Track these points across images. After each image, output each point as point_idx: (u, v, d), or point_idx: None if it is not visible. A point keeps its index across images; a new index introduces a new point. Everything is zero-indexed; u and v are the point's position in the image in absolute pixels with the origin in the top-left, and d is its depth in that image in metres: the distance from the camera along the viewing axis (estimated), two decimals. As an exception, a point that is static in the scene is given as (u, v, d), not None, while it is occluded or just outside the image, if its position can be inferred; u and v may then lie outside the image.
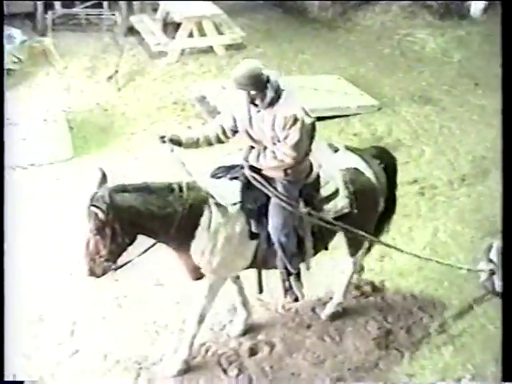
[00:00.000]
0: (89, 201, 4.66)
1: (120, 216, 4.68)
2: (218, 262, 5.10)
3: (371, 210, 5.71)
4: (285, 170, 5.03)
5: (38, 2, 12.35)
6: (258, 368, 5.61)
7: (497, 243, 6.18)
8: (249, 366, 5.64)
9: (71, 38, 12.25)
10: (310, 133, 5.01)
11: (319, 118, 9.47)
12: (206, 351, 5.76)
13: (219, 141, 5.29)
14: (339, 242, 5.79)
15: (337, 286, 6.18)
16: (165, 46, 11.89)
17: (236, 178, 5.22)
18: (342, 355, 5.81)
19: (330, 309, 6.14)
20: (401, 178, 8.23)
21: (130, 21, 12.77)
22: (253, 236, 5.18)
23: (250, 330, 5.95)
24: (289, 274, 5.40)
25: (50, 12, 12.22)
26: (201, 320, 5.37)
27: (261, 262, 5.33)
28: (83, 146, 8.89)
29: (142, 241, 4.97)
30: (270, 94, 4.84)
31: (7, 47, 10.70)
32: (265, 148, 5.02)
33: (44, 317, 6.11)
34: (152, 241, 4.97)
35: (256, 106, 4.92)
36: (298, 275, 5.45)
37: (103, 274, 4.90)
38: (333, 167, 5.46)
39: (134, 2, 13.17)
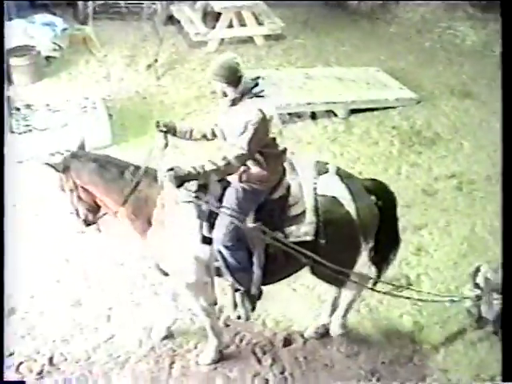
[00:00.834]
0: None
1: (71, 177, 5.08)
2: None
3: (346, 245, 5.19)
4: (240, 176, 4.85)
5: (80, -9, 12.44)
6: (291, 358, 5.63)
7: (484, 267, 5.96)
8: (282, 356, 5.66)
9: (111, 26, 12.31)
10: (265, 134, 4.75)
11: (358, 110, 9.65)
12: (241, 340, 5.80)
13: (214, 135, 5.13)
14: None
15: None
16: (204, 35, 11.90)
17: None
18: (375, 348, 5.81)
19: (335, 326, 5.89)
20: (439, 172, 8.35)
21: (169, 10, 12.80)
22: (205, 240, 4.98)
23: (284, 320, 5.98)
24: (236, 289, 5.19)
25: (90, 1, 12.30)
26: (207, 313, 5.36)
27: (214, 269, 5.15)
28: (122, 134, 8.95)
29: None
30: (240, 89, 4.77)
31: (49, 35, 10.82)
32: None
33: (82, 302, 6.21)
34: None
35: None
36: (248, 294, 5.18)
37: (88, 225, 5.32)
38: (309, 189, 5.10)
39: (175, -9, 13.21)
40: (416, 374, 5.58)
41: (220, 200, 4.93)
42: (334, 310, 5.87)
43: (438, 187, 8.06)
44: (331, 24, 13.06)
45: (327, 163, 5.38)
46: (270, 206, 4.99)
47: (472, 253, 6.94)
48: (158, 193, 5.01)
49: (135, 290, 6.31)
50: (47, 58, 10.77)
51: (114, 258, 6.66)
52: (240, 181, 4.86)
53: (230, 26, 12.23)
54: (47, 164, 5.09)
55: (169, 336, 5.80)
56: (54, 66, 10.74)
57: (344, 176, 5.29)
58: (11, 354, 5.57)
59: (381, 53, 12.01)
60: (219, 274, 5.14)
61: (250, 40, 12.23)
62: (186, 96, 10.14)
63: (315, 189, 5.11)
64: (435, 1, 13.56)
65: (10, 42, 10.15)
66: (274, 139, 4.85)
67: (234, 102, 4.80)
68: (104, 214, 5.29)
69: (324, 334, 5.90)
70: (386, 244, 5.51)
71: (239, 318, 5.27)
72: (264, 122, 4.69)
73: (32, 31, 10.74)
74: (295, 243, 4.97)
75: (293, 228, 5.03)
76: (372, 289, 5.59)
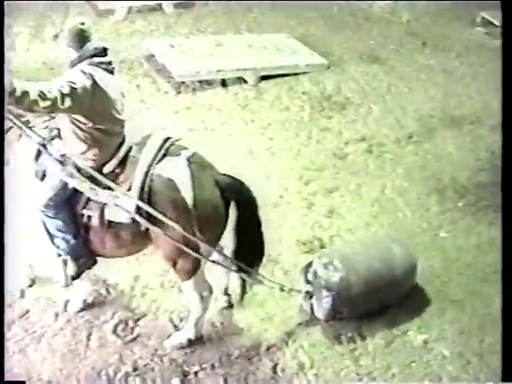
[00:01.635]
0: None
1: None
2: None
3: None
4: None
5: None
6: (207, 323, 5.66)
7: (316, 262, 5.67)
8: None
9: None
10: (92, 103, 4.72)
11: (268, 77, 9.69)
12: (157, 308, 5.80)
13: None
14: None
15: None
16: (112, 3, 11.71)
17: None
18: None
19: (175, 339, 5.49)
20: (349, 135, 8.49)
21: (75, -22, 12.53)
22: None
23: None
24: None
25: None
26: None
27: None
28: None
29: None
30: (80, 53, 4.81)
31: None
32: None
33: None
34: None
35: None
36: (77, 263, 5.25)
37: None
38: (143, 168, 4.94)
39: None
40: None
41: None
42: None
43: (348, 151, 8.20)
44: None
45: (185, 148, 5.15)
46: (98, 181, 4.89)
47: (383, 214, 7.10)
48: None
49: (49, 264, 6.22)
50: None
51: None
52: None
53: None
54: None
55: (85, 308, 5.76)
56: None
57: (196, 163, 5.02)
58: None
59: (290, 19, 12.07)
60: None
61: (158, 8, 12.10)
62: (94, 66, 9.95)
63: (150, 168, 4.92)
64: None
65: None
66: (112, 115, 4.89)
67: (72, 64, 4.83)
68: None
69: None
70: (248, 249, 5.31)
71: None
72: (91, 90, 4.67)
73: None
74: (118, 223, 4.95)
75: (113, 211, 4.93)
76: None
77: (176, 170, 4.94)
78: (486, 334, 5.61)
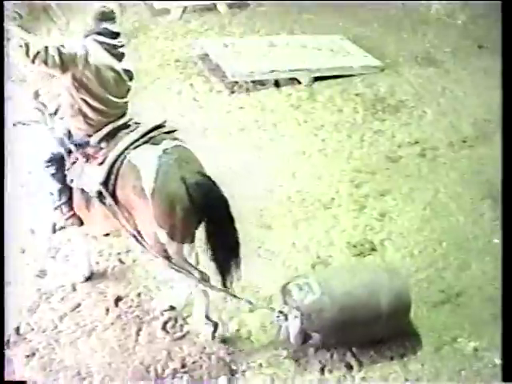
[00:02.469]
0: None
1: None
2: None
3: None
4: None
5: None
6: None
7: (293, 282, 5.34)
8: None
9: (73, -7, 12.13)
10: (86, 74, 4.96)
11: (322, 78, 9.66)
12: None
13: None
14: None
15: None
16: (167, 3, 11.80)
17: None
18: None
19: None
20: (402, 139, 8.42)
21: (132, -22, 12.66)
22: None
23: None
24: None
25: (50, -33, 12.09)
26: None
27: None
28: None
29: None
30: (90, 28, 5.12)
31: (8, 3, 10.60)
32: None
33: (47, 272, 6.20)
34: None
35: None
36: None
37: None
38: (116, 151, 5.04)
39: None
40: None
41: None
42: None
43: (401, 154, 8.13)
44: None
45: (174, 139, 5.19)
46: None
47: (435, 218, 7.02)
48: None
49: (101, 260, 6.30)
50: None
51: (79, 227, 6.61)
52: None
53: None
54: None
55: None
56: (14, 34, 10.56)
57: (170, 156, 4.96)
58: (-23, 325, 5.56)
59: (345, 20, 12.01)
60: None
61: (213, 8, 12.15)
62: (148, 65, 10.06)
63: (124, 151, 5.02)
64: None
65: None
66: (103, 94, 5.05)
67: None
68: None
69: None
70: (221, 250, 5.16)
71: None
72: (81, 61, 4.91)
73: (-10, -1, 10.54)
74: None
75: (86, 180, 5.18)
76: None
77: (145, 160, 4.95)
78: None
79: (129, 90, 5.29)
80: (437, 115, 9.08)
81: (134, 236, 5.18)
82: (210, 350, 5.36)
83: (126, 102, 5.31)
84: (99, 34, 5.03)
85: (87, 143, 5.20)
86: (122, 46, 5.15)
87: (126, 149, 5.04)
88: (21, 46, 4.79)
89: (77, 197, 5.36)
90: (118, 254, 6.34)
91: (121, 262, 6.28)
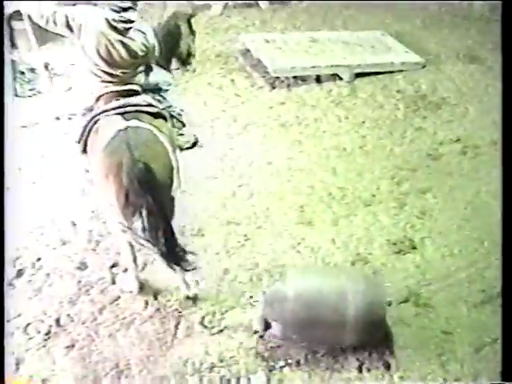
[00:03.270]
0: None
1: None
2: None
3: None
4: None
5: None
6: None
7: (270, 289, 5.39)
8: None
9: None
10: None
11: (363, 74, 9.60)
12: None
13: None
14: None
15: None
16: (209, -1, 11.83)
17: None
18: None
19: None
20: (444, 136, 8.33)
21: (173, -28, 12.69)
22: None
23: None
24: None
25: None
26: None
27: None
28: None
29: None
30: None
31: (52, -2, 10.74)
32: None
33: (88, 264, 6.26)
34: None
35: None
36: None
37: None
38: (93, 114, 5.36)
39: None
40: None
41: None
42: None
43: (442, 151, 8.05)
44: (336, -13, 12.95)
45: (148, 124, 5.29)
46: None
47: (476, 217, 6.94)
48: None
49: (141, 251, 6.33)
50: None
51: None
52: None
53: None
54: None
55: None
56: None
57: (128, 133, 5.13)
58: (19, 316, 5.63)
59: (386, 16, 11.93)
60: None
61: (254, 3, 12.15)
62: (190, 60, 10.08)
63: (98, 115, 5.31)
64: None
65: (13, 6, 10.08)
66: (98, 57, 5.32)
67: None
68: None
69: None
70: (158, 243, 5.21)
71: None
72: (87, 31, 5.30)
73: (35, -6, 10.65)
74: None
75: None
76: None
77: (107, 128, 5.18)
78: None
79: (134, 64, 5.48)
80: (479, 113, 8.97)
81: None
82: (247, 345, 5.36)
83: (127, 73, 5.47)
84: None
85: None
86: (127, 22, 5.41)
87: (100, 113, 5.30)
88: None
89: None
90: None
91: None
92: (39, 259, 6.21)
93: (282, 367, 5.21)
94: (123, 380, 5.13)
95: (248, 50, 10.20)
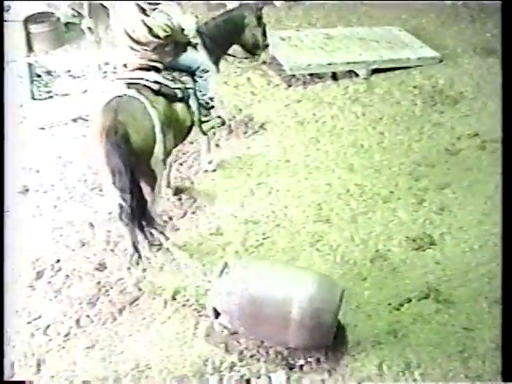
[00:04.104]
0: None
1: None
2: None
3: None
4: None
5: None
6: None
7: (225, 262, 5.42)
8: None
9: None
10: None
11: (379, 70, 9.56)
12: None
13: None
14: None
15: None
16: (224, -3, 11.83)
17: None
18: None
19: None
20: (462, 131, 8.27)
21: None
22: None
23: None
24: None
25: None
26: None
27: None
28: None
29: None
30: None
31: (68, 1, 10.79)
32: None
33: (107, 265, 6.27)
34: None
35: None
36: None
37: None
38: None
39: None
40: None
41: None
42: None
43: (461, 146, 7.98)
44: (352, -17, 12.89)
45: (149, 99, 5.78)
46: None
47: (496, 212, 6.86)
48: None
49: (159, 251, 6.34)
50: (67, 24, 10.74)
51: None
52: None
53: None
54: None
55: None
56: (74, 32, 10.72)
57: (122, 100, 5.65)
58: (39, 317, 5.66)
59: (402, 11, 11.85)
60: None
61: (269, 1, 12.12)
62: (205, 58, 10.09)
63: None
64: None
65: (28, 10, 10.16)
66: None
67: None
68: None
69: None
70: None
71: None
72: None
73: (51, -3, 10.72)
74: None
75: None
76: None
77: (108, 91, 5.85)
78: None
79: (157, 42, 5.98)
80: (497, 106, 8.87)
81: None
82: (267, 344, 5.36)
83: (149, 50, 6.00)
84: None
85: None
86: (153, 4, 5.93)
87: (116, 79, 6.12)
88: None
89: None
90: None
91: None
92: (58, 261, 6.24)
93: (301, 366, 5.20)
94: (143, 380, 5.15)
95: (264, 48, 10.17)
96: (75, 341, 5.46)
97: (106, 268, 6.18)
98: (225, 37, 7.10)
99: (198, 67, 6.47)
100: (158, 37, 5.92)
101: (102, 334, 5.51)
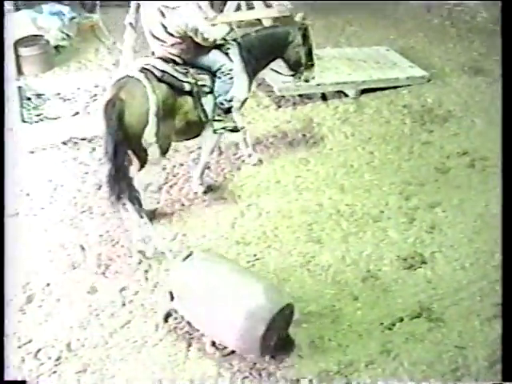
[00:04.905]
0: None
1: None
2: None
3: None
4: None
5: (87, -21, 12.40)
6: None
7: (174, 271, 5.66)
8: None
9: (119, 13, 12.23)
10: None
11: (369, 90, 9.61)
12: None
13: None
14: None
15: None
16: (212, 20, 11.85)
17: None
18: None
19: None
20: (451, 149, 8.31)
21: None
22: None
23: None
24: None
25: (98, -12, 12.26)
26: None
27: None
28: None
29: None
30: None
31: (57, 24, 10.82)
32: None
33: (97, 288, 6.24)
34: None
35: None
36: None
37: None
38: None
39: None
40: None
41: None
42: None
43: (450, 165, 8.02)
44: (339, 4, 12.93)
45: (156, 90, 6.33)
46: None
47: (486, 230, 6.90)
48: None
49: (150, 273, 6.33)
50: (56, 47, 10.77)
51: (127, 244, 6.67)
52: None
53: (238, 9, 12.15)
54: None
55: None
56: (64, 55, 10.75)
57: (131, 79, 6.33)
58: (29, 342, 5.62)
59: (390, 32, 11.95)
60: None
61: (258, 23, 12.17)
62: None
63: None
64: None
65: (18, 33, 10.17)
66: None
67: None
68: None
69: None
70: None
71: None
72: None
73: (40, 21, 10.74)
74: None
75: None
76: None
77: (123, 72, 6.64)
78: None
79: (172, 40, 6.59)
80: (486, 125, 8.94)
81: None
82: (260, 366, 5.34)
83: (166, 45, 6.65)
84: None
85: None
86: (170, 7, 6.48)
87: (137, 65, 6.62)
88: None
89: None
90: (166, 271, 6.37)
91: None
92: (49, 284, 6.21)
93: (294, 386, 5.19)
94: (136, 403, 5.12)
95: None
96: (66, 365, 5.41)
97: (96, 291, 6.15)
98: (265, 50, 7.38)
99: (219, 69, 6.82)
100: (172, 35, 6.53)
101: (93, 357, 5.47)
